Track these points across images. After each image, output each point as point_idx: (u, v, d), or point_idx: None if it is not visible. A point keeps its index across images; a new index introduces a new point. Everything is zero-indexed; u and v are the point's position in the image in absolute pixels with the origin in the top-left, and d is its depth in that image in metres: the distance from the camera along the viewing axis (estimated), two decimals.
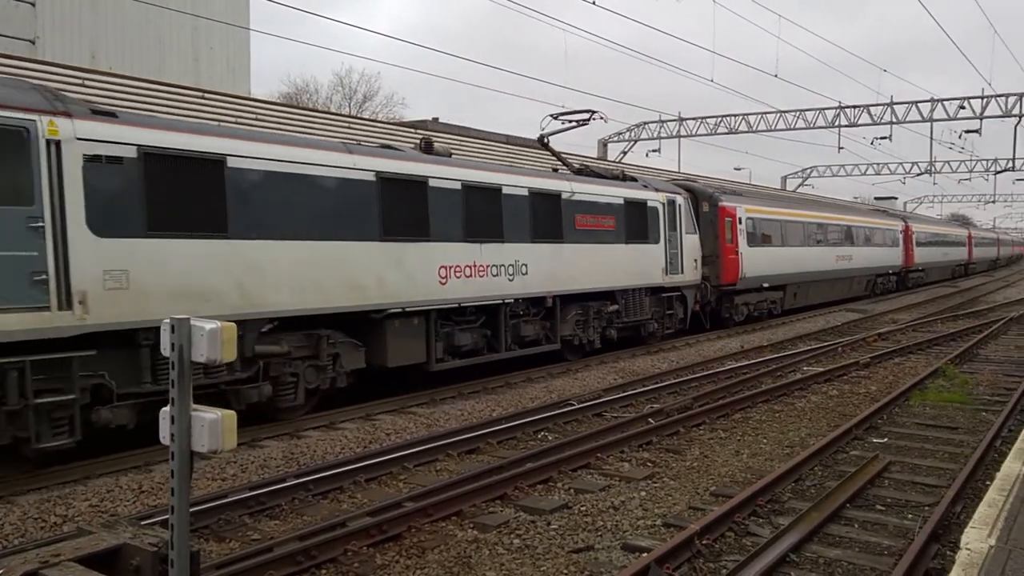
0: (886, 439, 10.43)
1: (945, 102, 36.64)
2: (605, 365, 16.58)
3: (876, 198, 66.95)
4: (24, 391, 8.06)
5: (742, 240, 22.98)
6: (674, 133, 42.70)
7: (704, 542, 6.72)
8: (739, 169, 58.46)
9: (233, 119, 14.66)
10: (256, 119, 15.02)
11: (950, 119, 36.72)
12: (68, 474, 8.70)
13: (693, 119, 42.20)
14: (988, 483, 7.16)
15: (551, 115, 17.81)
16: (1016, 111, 34.95)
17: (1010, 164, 46.65)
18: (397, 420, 11.71)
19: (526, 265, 14.68)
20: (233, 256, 10.07)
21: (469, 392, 13.78)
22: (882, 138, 39.56)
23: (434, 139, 15.14)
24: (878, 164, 56.01)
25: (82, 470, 8.81)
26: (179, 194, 9.61)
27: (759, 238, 24.31)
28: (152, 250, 9.26)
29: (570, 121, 17.94)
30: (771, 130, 40.45)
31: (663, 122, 42.71)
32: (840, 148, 41.32)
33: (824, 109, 39.06)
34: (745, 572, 6.09)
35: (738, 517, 7.31)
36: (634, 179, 19.19)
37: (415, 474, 9.17)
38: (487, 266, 13.89)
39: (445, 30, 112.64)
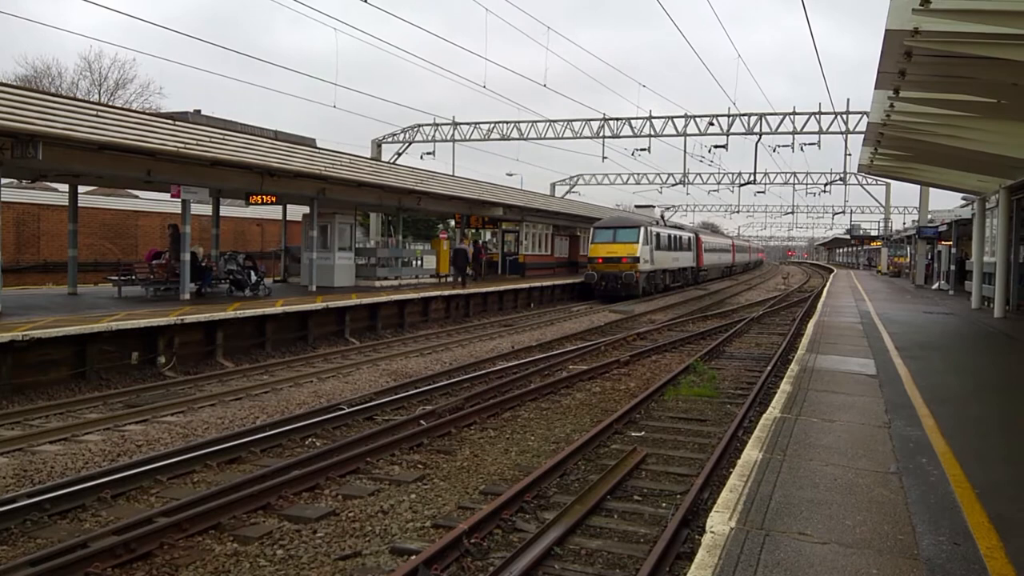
0: (643, 433, 10.99)
1: (697, 118, 39.55)
2: (377, 367, 16.40)
3: (636, 206, 71.07)
4: (640, 284, 37.78)
5: (704, 250, 53.59)
6: (448, 137, 43.12)
7: (472, 541, 6.73)
8: (511, 175, 60.10)
9: None
10: None
11: (701, 134, 39.70)
12: None
13: (467, 124, 42.86)
14: (731, 470, 7.66)
15: (656, 207, 53.17)
16: (757, 129, 38.32)
17: (752, 178, 51.09)
18: (149, 430, 10.95)
19: (678, 257, 45.12)
20: (663, 254, 41.36)
21: (231, 399, 13.16)
22: (642, 150, 42.06)
23: (664, 214, 54.35)
24: (638, 174, 59.71)
25: None
26: (659, 242, 40.64)
27: (707, 250, 55.53)
28: (657, 253, 39.88)
29: (666, 209, 62.31)
30: (541, 138, 41.88)
31: (437, 125, 43.02)
32: (604, 158, 43.57)
33: (590, 120, 40.97)
34: (511, 568, 6.16)
35: (506, 514, 7.40)
36: (682, 227, 49.39)
37: (169, 487, 8.59)
38: (676, 256, 44.49)
39: (189, 20, 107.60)
